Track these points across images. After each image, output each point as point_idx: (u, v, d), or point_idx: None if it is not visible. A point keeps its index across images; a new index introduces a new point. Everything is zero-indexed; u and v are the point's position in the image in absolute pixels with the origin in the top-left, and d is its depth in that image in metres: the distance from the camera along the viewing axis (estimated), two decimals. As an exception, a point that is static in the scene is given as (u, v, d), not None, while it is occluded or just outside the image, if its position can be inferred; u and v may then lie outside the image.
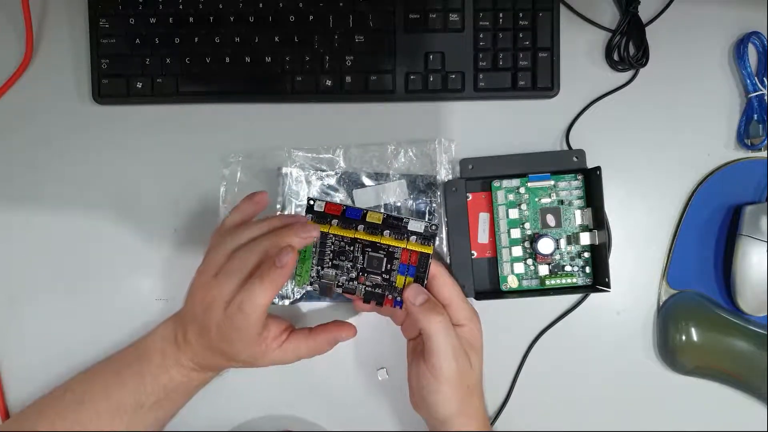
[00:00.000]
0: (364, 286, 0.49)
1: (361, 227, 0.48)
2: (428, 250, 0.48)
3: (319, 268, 0.50)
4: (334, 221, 0.49)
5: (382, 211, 0.49)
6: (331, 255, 0.49)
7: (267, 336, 0.47)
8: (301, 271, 0.50)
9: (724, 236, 0.57)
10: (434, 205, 0.56)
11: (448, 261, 0.56)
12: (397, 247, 0.48)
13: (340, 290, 0.50)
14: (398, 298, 0.49)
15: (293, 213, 0.56)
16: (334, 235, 0.49)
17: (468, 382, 0.48)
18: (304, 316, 0.57)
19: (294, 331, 0.50)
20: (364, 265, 0.49)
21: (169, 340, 0.50)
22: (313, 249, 0.49)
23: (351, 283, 0.50)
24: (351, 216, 0.48)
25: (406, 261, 0.48)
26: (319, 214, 0.49)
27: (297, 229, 0.47)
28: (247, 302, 0.45)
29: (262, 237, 0.47)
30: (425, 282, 0.48)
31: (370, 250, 0.49)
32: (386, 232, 0.48)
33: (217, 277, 0.46)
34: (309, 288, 0.55)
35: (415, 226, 0.48)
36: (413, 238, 0.47)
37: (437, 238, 0.56)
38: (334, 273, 0.50)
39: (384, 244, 0.48)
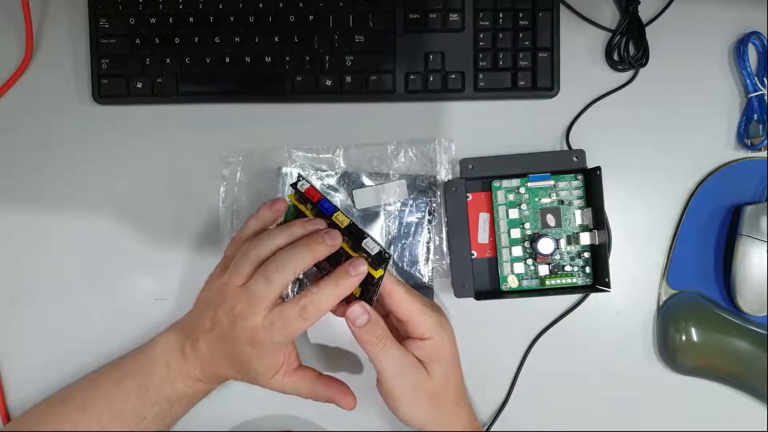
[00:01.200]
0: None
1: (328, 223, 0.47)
2: (376, 274, 0.45)
3: None
4: (309, 205, 0.48)
5: (352, 218, 0.48)
6: None
7: (285, 353, 0.47)
8: None
9: (724, 236, 0.57)
10: (434, 205, 0.56)
11: (449, 261, 0.56)
12: (352, 256, 0.46)
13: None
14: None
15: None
16: None
17: (429, 393, 0.48)
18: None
19: (302, 366, 0.50)
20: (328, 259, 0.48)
21: (174, 352, 0.49)
22: None
23: (317, 272, 0.49)
24: (322, 209, 0.47)
25: None
26: (299, 193, 0.48)
27: (325, 237, 0.46)
28: (312, 306, 0.44)
29: (294, 246, 0.46)
30: (373, 300, 0.47)
31: None
32: (345, 238, 0.46)
33: (248, 286, 0.45)
34: None
35: (369, 246, 0.45)
36: (365, 255, 0.45)
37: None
38: None
39: (342, 249, 0.47)
